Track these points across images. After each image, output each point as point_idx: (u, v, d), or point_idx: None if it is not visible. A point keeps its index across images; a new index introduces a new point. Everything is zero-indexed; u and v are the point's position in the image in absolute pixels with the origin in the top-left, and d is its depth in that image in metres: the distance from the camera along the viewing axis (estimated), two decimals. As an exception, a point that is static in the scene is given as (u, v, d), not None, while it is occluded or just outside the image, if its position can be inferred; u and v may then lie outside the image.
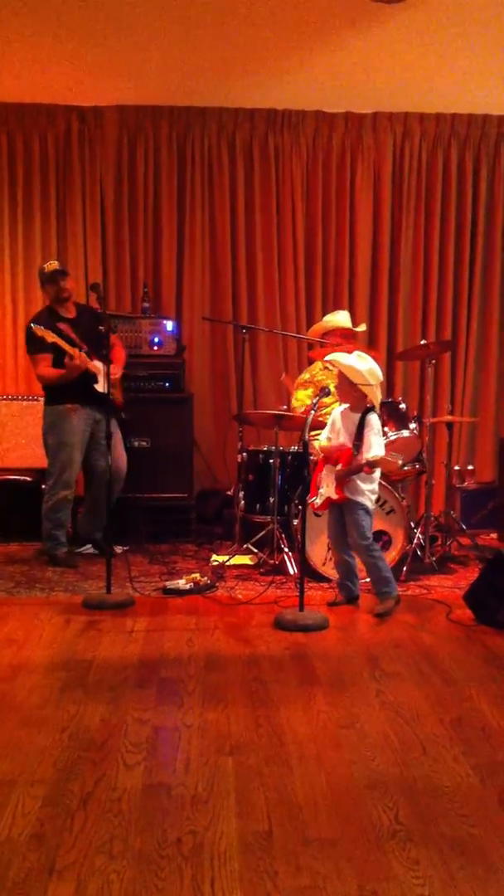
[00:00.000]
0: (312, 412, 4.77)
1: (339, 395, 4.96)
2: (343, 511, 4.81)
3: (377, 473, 4.82)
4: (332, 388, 5.13)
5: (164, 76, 6.38)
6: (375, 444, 4.70)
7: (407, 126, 7.08)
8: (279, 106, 6.92)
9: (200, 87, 6.58)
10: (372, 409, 4.78)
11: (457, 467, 6.51)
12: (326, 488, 4.80)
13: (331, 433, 4.95)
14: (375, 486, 4.83)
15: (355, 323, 6.30)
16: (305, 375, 6.18)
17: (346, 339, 5.92)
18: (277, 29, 5.55)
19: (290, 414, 5.61)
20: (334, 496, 4.75)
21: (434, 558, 5.72)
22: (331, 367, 5.97)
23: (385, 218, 7.12)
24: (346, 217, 7.11)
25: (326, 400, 5.51)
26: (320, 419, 5.70)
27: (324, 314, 6.67)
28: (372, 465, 4.65)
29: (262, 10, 5.29)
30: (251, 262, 7.09)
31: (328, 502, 4.81)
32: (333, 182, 7.11)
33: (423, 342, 6.08)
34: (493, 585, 4.52)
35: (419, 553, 5.67)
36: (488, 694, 3.54)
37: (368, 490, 4.76)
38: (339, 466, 4.74)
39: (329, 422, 5.01)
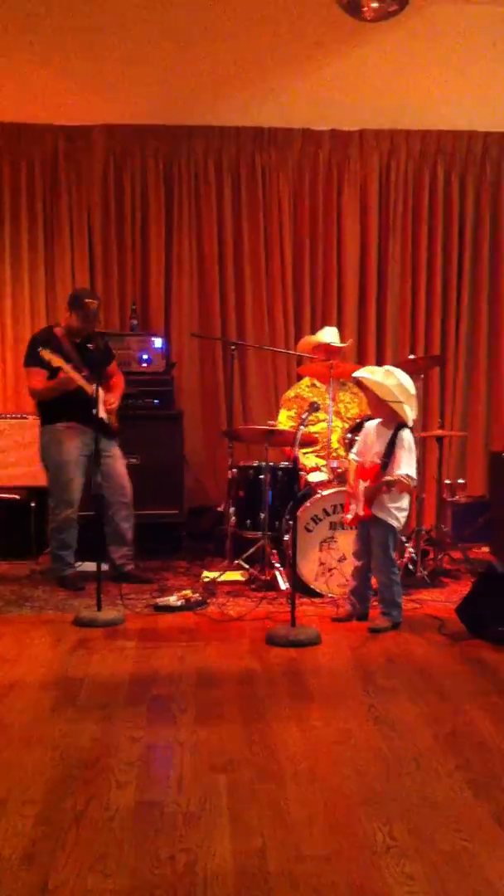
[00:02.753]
0: (302, 428, 4.77)
1: (371, 411, 4.92)
2: (370, 528, 4.76)
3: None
4: (319, 404, 5.13)
5: (151, 96, 6.43)
6: (405, 463, 4.61)
7: (393, 143, 7.13)
8: (266, 124, 6.96)
9: (187, 107, 6.63)
10: (404, 425, 4.71)
11: (447, 481, 6.53)
12: (357, 506, 4.78)
13: (361, 448, 4.88)
14: (404, 504, 4.74)
15: (343, 338, 6.32)
16: (291, 393, 6.19)
17: (331, 354, 5.93)
18: (263, 48, 5.61)
19: (280, 429, 5.60)
20: (361, 513, 4.71)
21: (426, 572, 5.72)
22: (318, 384, 6.01)
23: (373, 234, 7.16)
24: (333, 233, 7.15)
25: (316, 416, 5.53)
26: (310, 435, 5.73)
27: (312, 330, 6.71)
28: (390, 484, 4.56)
29: (249, 29, 5.34)
30: (240, 279, 7.11)
31: (357, 519, 4.77)
32: (321, 199, 7.15)
33: (411, 356, 6.11)
34: (485, 599, 4.52)
35: (411, 567, 5.67)
36: (482, 708, 3.53)
37: (395, 508, 4.68)
38: (367, 484, 4.70)
39: (361, 436, 4.96)
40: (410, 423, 4.72)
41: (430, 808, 2.67)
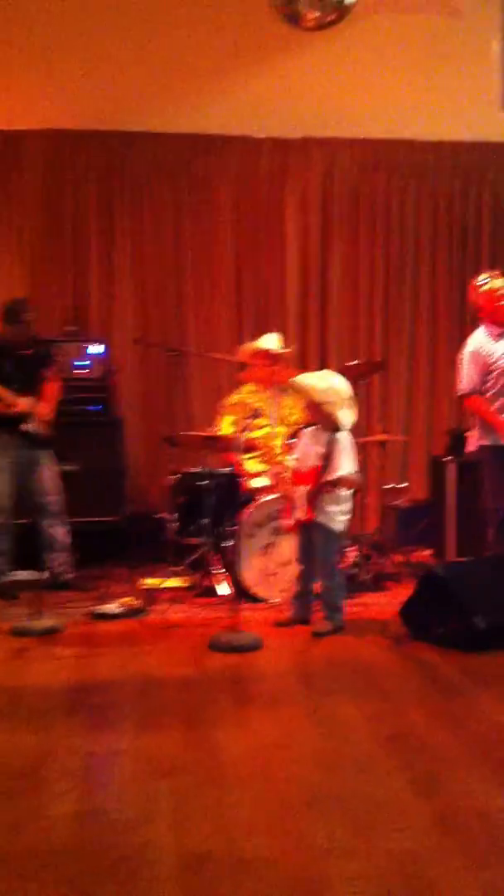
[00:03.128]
0: (244, 434, 4.76)
1: (308, 414, 4.93)
2: (312, 533, 4.75)
3: (345, 494, 4.73)
4: (261, 410, 5.13)
5: (90, 101, 6.39)
6: (345, 463, 4.63)
7: (335, 151, 7.17)
8: (206, 131, 6.94)
9: (126, 112, 6.59)
10: (340, 427, 4.71)
11: (390, 486, 6.56)
12: (297, 510, 4.77)
13: (299, 454, 4.89)
14: (345, 508, 4.75)
15: (286, 344, 6.33)
16: (233, 398, 6.17)
17: (272, 360, 5.93)
18: (203, 54, 5.62)
19: (222, 436, 5.58)
20: (303, 517, 4.70)
21: (369, 576, 5.74)
22: (258, 392, 6.00)
23: (315, 240, 7.19)
24: (275, 240, 7.16)
25: (258, 422, 5.52)
26: (252, 440, 5.72)
27: (255, 336, 6.69)
28: (334, 483, 4.58)
29: (186, 34, 5.35)
30: (181, 286, 7.08)
31: (298, 523, 4.76)
32: (262, 206, 7.14)
33: (354, 362, 6.14)
34: (427, 602, 4.54)
35: (354, 571, 5.67)
36: (423, 709, 3.54)
37: (336, 512, 4.70)
38: (308, 487, 4.69)
39: (299, 442, 4.95)
40: (346, 427, 4.73)
41: (373, 809, 2.67)
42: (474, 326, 5.38)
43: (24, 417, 5.38)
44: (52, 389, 5.73)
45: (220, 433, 5.75)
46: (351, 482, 4.59)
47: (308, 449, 4.81)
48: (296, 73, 5.88)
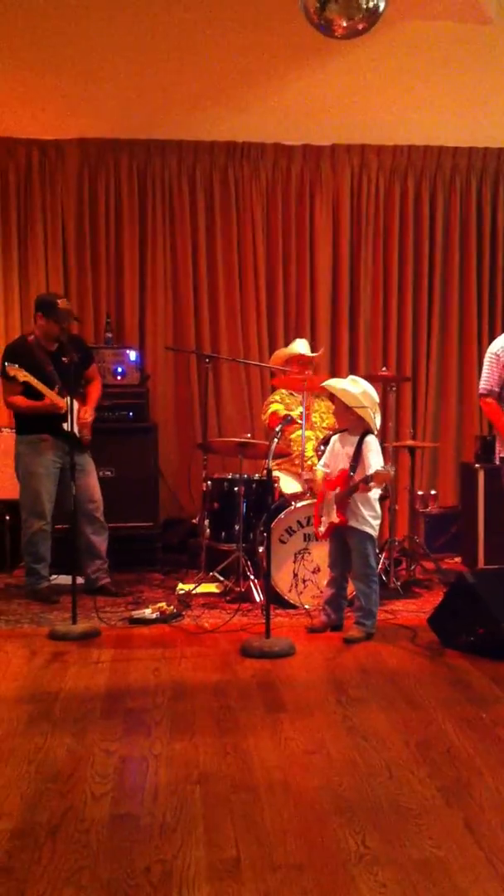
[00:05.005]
0: (276, 440, 4.81)
1: (337, 418, 4.99)
2: (346, 537, 4.80)
3: (376, 495, 4.76)
4: (294, 416, 5.19)
5: (123, 110, 6.47)
6: (374, 462, 4.66)
7: (364, 158, 7.21)
8: (238, 138, 7.03)
9: (160, 121, 6.67)
10: (370, 431, 4.77)
11: (420, 492, 6.58)
12: (327, 516, 4.81)
13: (328, 460, 4.93)
14: (378, 512, 4.80)
15: (315, 349, 6.40)
16: (276, 396, 6.24)
17: (303, 365, 6.00)
18: (236, 64, 5.66)
19: (254, 442, 5.64)
20: (335, 520, 4.75)
21: (399, 583, 5.77)
22: (295, 395, 6.07)
23: (344, 247, 7.24)
24: (305, 247, 7.21)
25: (291, 427, 5.58)
26: (285, 447, 5.78)
27: (286, 342, 6.76)
28: (367, 480, 4.59)
29: (221, 45, 5.39)
30: (213, 292, 7.16)
31: (331, 527, 4.80)
32: (293, 213, 7.21)
33: (383, 369, 6.17)
34: (457, 609, 4.57)
35: (384, 578, 5.70)
36: (453, 717, 3.57)
37: (370, 516, 4.73)
38: (337, 491, 4.75)
39: (327, 450, 5.00)
40: (375, 430, 4.79)
41: (402, 817, 2.71)
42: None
43: (65, 418, 5.36)
44: (95, 390, 5.81)
45: (269, 410, 5.97)
46: (384, 476, 4.57)
47: (337, 454, 4.86)
48: (326, 80, 5.90)
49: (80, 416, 5.47)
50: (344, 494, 4.70)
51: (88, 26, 5.14)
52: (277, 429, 4.87)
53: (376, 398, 4.81)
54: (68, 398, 5.34)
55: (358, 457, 4.71)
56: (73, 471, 4.97)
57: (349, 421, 4.81)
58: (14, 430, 5.71)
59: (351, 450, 4.76)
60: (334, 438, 4.96)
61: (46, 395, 5.37)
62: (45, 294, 5.99)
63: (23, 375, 5.31)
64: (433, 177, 7.28)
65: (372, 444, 4.73)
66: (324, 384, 4.98)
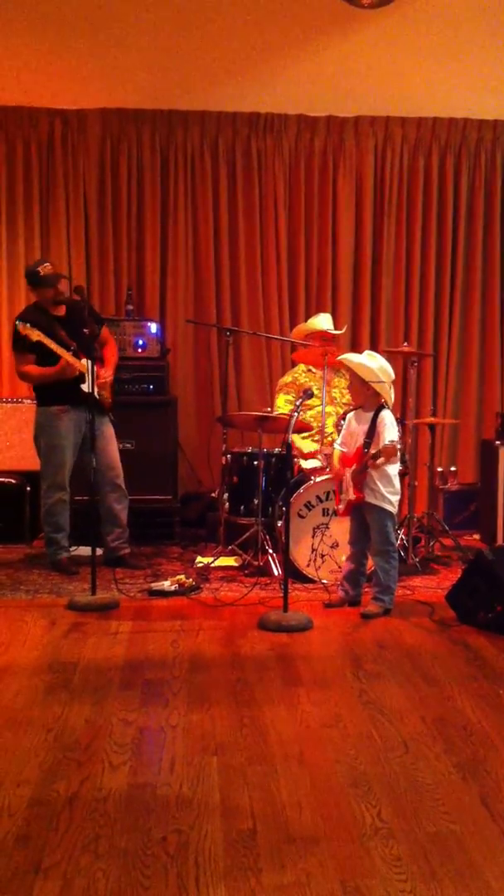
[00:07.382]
0: (296, 414, 4.80)
1: (352, 394, 4.97)
2: (365, 514, 4.79)
3: (394, 470, 4.74)
4: (315, 391, 5.17)
5: (146, 81, 6.41)
6: (388, 437, 4.64)
7: (388, 130, 7.13)
8: (261, 110, 6.95)
9: (183, 92, 6.61)
10: (385, 406, 4.76)
11: (439, 469, 6.56)
12: (346, 493, 4.81)
13: (345, 439, 4.92)
14: (397, 488, 4.80)
15: (337, 325, 6.36)
16: (287, 378, 6.22)
17: (326, 341, 5.96)
18: (260, 34, 5.60)
19: (274, 416, 5.63)
20: (353, 497, 4.74)
21: (417, 559, 5.76)
22: (314, 370, 6.04)
23: (367, 221, 7.17)
24: (328, 220, 7.15)
25: (311, 402, 5.56)
26: (304, 421, 5.76)
27: (306, 317, 6.73)
28: (376, 455, 4.57)
29: (245, 15, 5.33)
30: (234, 265, 7.12)
31: (350, 505, 4.79)
32: (315, 185, 7.14)
33: (404, 345, 6.13)
34: (475, 586, 4.56)
35: (402, 554, 5.70)
36: (470, 693, 3.58)
37: (389, 493, 4.73)
38: (354, 468, 4.74)
39: (343, 428, 4.99)
40: (390, 405, 4.78)
41: (418, 791, 2.73)
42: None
43: (83, 380, 5.31)
44: (111, 353, 5.79)
45: (275, 412, 5.81)
46: (390, 450, 4.55)
47: (354, 432, 4.85)
48: (351, 51, 5.83)
49: (99, 378, 5.45)
50: (358, 471, 4.70)
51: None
52: (298, 402, 4.85)
53: (392, 374, 4.79)
54: (87, 361, 5.32)
55: (373, 432, 4.71)
56: (93, 439, 4.96)
57: (364, 396, 4.80)
58: (35, 402, 5.71)
59: (366, 427, 4.75)
60: (350, 416, 4.94)
61: (62, 355, 5.34)
62: (27, 266, 5.98)
63: (35, 335, 5.28)
64: (458, 149, 7.19)
65: (387, 418, 4.72)
66: (340, 358, 4.97)
